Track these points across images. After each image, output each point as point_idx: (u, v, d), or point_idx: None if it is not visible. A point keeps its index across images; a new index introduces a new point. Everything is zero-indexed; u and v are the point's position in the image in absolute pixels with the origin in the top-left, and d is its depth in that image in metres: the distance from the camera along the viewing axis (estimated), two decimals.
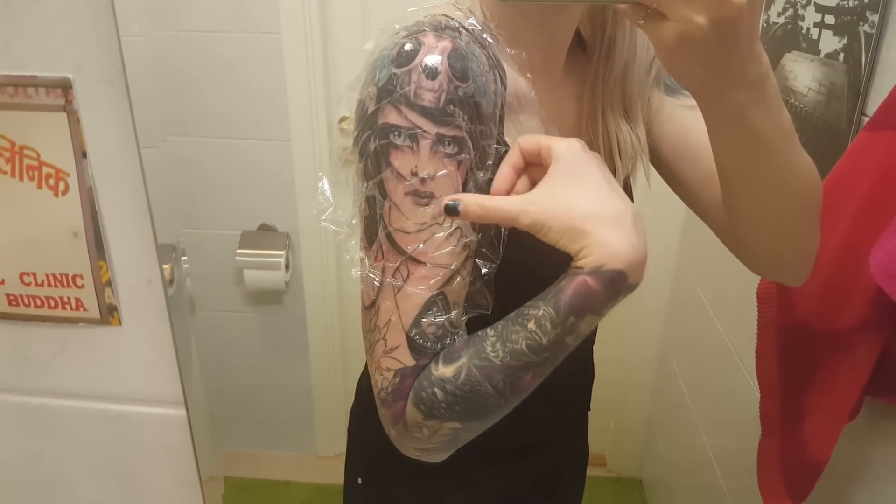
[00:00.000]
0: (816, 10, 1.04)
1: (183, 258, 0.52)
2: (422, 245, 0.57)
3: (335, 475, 1.39)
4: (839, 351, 0.89)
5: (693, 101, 0.76)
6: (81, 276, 0.49)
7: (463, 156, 0.57)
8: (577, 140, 0.59)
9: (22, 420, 0.55)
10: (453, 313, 0.60)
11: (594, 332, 0.90)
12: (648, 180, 0.81)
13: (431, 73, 0.54)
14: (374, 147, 0.56)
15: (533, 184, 0.61)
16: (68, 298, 0.50)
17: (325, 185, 0.74)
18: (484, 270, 0.62)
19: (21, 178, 0.47)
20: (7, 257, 0.49)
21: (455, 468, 0.68)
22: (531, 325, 0.57)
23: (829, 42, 1.01)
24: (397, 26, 0.62)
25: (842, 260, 0.87)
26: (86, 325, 0.51)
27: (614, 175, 0.76)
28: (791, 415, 0.98)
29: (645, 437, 1.97)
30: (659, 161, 0.79)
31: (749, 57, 0.48)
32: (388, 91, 0.55)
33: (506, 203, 0.56)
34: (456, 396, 0.58)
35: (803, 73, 1.11)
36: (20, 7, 0.44)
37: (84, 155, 0.46)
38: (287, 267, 1.75)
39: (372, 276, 0.58)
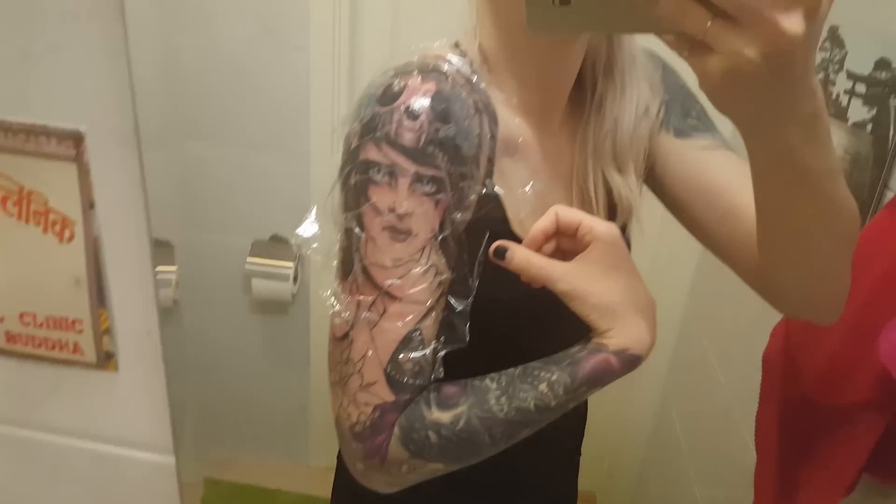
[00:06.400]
0: (848, 77, 1.03)
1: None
2: (398, 281, 0.58)
3: (326, 487, 1.39)
4: (841, 426, 0.88)
5: (705, 143, 0.77)
6: (81, 322, 0.49)
7: (441, 196, 0.59)
8: (614, 226, 0.61)
9: (9, 450, 0.55)
10: (429, 349, 0.61)
11: None
12: (641, 228, 0.81)
13: (413, 114, 0.56)
14: (354, 181, 0.58)
15: (558, 249, 0.63)
16: (66, 341, 0.50)
17: (313, 213, 0.74)
18: (459, 308, 0.63)
19: (27, 222, 0.47)
20: (8, 296, 0.50)
21: None
22: (542, 387, 0.60)
23: (858, 111, 1.00)
24: (389, 66, 0.62)
25: (852, 336, 0.86)
26: (82, 368, 0.51)
27: None
28: (786, 484, 0.97)
29: (638, 477, 1.95)
30: (672, 203, 0.79)
31: (803, 92, 0.44)
32: (370, 128, 0.57)
33: (550, 265, 0.59)
34: (451, 441, 0.59)
35: None
36: (37, 56, 0.44)
37: (91, 206, 0.46)
38: (295, 279, 1.75)
39: (346, 308, 0.58)
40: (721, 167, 0.75)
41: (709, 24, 0.39)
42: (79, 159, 0.45)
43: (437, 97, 0.57)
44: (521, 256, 0.60)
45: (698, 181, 0.75)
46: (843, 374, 0.87)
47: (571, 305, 0.60)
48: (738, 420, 1.35)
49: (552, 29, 0.44)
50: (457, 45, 0.69)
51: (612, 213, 0.78)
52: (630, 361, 0.59)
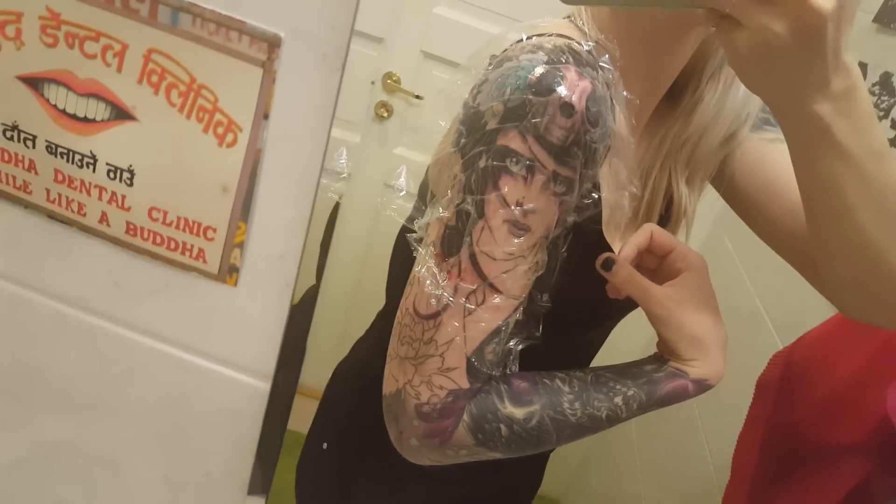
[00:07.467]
0: (892, 126, 1.06)
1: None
2: (504, 275, 0.57)
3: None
4: (824, 463, 0.93)
5: (772, 135, 0.77)
6: (214, 230, 0.47)
7: (567, 197, 0.58)
8: (703, 258, 0.64)
9: (91, 340, 0.53)
10: (512, 342, 0.61)
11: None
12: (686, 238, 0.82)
13: (568, 112, 0.53)
14: (484, 165, 0.55)
15: (638, 265, 0.65)
16: (191, 246, 0.48)
17: (403, 174, 0.72)
18: (543, 300, 0.64)
19: (189, 117, 0.44)
20: (145, 188, 0.47)
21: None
22: (618, 400, 0.61)
23: None
24: (524, 38, 0.60)
25: (858, 378, 0.91)
26: (198, 276, 0.49)
27: None
28: None
29: (579, 464, 2.01)
30: (737, 197, 0.80)
31: (834, 68, 0.44)
32: (517, 115, 0.54)
33: (650, 287, 0.61)
34: (520, 437, 0.60)
35: None
36: None
37: (266, 116, 0.44)
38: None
39: (441, 289, 0.58)
40: (785, 159, 0.71)
41: None
42: (267, 66, 0.42)
43: (591, 98, 0.54)
44: (626, 273, 0.62)
45: (763, 171, 0.76)
46: (842, 414, 0.92)
47: (660, 329, 0.62)
48: (699, 428, 1.41)
49: None
50: (572, 22, 0.67)
51: (661, 220, 0.79)
52: (703, 389, 0.64)
